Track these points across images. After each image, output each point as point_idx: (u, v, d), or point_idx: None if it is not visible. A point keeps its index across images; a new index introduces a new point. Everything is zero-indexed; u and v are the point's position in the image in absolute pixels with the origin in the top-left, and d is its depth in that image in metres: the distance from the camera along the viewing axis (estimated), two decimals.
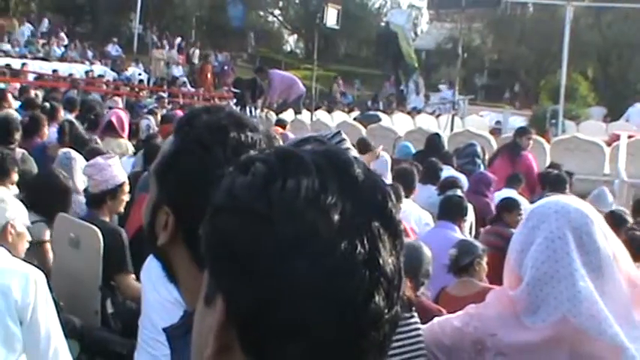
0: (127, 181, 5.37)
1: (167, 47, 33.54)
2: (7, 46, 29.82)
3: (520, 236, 2.24)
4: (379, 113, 22.79)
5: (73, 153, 6.90)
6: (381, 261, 0.90)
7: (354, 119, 20.04)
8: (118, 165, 5.37)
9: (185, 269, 1.39)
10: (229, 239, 0.91)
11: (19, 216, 3.81)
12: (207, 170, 1.35)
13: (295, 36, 47.92)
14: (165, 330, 1.44)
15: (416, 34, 47.60)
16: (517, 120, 21.33)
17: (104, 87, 22.68)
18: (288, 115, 17.38)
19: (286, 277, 0.88)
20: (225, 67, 27.90)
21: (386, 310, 0.91)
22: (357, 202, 0.90)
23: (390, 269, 0.91)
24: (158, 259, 1.46)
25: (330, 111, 23.91)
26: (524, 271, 2.16)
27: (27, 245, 3.89)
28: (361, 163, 0.94)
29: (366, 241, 0.89)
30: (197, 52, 34.82)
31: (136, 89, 24.55)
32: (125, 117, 9.95)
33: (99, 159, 5.41)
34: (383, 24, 42.03)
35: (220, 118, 1.42)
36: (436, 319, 2.39)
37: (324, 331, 0.88)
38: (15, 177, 5.23)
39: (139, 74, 29.03)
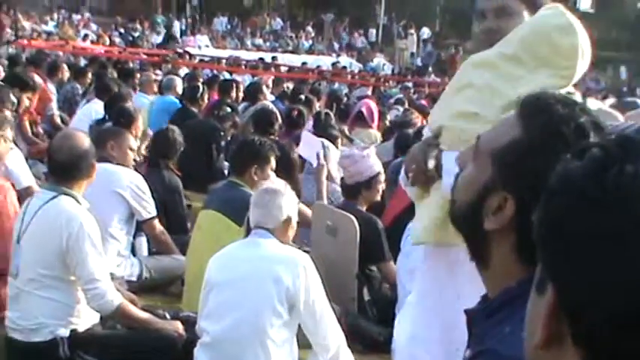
0: (382, 171, 5.43)
1: (411, 37, 33.64)
2: (259, 41, 31.20)
3: None
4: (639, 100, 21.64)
5: (326, 142, 7.06)
6: None
7: (610, 106, 19.16)
8: (373, 155, 5.43)
9: (502, 255, 1.39)
10: (561, 224, 0.90)
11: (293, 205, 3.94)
12: (557, 160, 1.33)
13: None
14: (466, 312, 1.46)
15: None
16: None
17: (349, 78, 23.13)
18: None
19: (622, 264, 0.84)
20: None
21: None
22: None
23: None
24: (467, 240, 1.45)
25: (583, 97, 22.99)
26: None
27: (293, 232, 4.00)
28: None
29: None
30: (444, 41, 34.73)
31: (382, 79, 24.84)
32: (375, 107, 10.05)
33: (354, 150, 5.50)
34: None
35: (572, 109, 1.40)
36: None
37: None
38: (273, 164, 5.39)
39: (384, 65, 29.35)
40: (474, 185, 1.43)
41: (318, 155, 6.31)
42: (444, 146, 2.95)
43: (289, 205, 3.86)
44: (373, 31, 35.24)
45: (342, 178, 5.68)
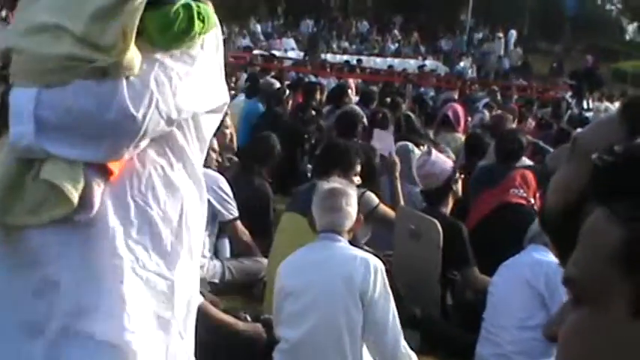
0: (456, 169, 5.47)
1: (499, 40, 33.14)
2: (345, 44, 31.23)
3: None
4: None
5: (411, 145, 7.01)
6: None
7: None
8: (441, 156, 5.51)
9: None
10: None
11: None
12: None
13: (635, 24, 45.52)
14: None
15: None
16: None
17: (434, 81, 22.97)
18: None
19: None
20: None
21: None
22: None
23: None
24: (557, 248, 1.39)
25: None
26: None
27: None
28: None
29: None
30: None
31: (468, 83, 24.56)
32: (461, 111, 9.89)
33: (424, 156, 5.54)
34: None
35: None
36: None
37: None
38: (358, 169, 5.36)
39: (470, 68, 29.08)
40: (570, 190, 1.34)
41: (390, 152, 6.34)
42: (14, 78, 2.13)
43: (356, 203, 3.82)
44: (459, 33, 34.95)
45: (421, 190, 5.66)
